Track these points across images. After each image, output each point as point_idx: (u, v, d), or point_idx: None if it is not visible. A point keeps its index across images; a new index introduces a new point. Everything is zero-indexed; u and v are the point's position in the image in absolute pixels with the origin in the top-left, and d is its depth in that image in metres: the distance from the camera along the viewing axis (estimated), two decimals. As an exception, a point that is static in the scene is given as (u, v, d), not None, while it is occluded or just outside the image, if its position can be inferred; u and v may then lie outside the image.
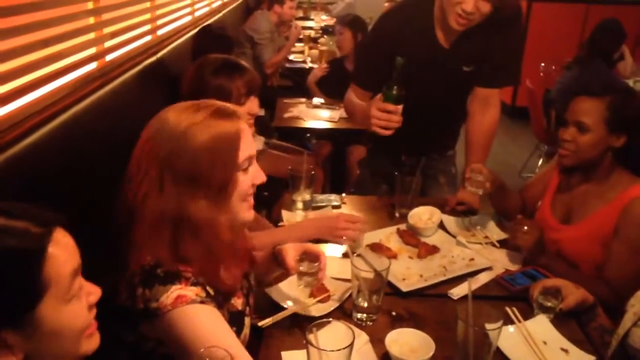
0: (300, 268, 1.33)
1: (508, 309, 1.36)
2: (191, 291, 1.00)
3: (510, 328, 1.28)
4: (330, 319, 1.10)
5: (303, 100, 3.45)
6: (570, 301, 1.33)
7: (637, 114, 1.55)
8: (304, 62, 4.64)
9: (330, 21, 6.66)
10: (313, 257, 1.34)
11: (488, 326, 1.13)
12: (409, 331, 1.21)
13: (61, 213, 0.80)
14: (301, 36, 5.53)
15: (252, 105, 1.75)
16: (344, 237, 1.57)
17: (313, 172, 1.84)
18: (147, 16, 2.66)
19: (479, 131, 2.01)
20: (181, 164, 1.03)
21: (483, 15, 1.71)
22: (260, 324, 1.25)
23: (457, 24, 1.74)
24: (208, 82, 1.69)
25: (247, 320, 1.21)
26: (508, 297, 1.44)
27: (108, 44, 2.11)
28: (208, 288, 1.05)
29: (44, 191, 1.27)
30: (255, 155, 1.14)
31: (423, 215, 1.73)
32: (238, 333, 1.15)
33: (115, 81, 1.91)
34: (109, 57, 2.10)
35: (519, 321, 1.32)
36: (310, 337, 1.03)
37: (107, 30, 2.09)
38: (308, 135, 3.47)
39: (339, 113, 3.18)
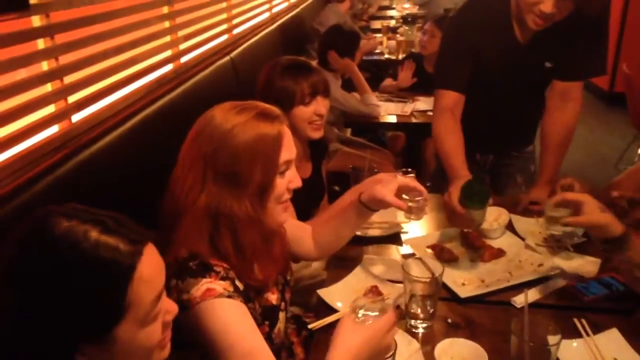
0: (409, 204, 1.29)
1: (576, 321, 1.27)
2: (219, 285, 1.03)
3: (575, 343, 1.19)
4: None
5: (376, 94, 3.41)
6: (582, 219, 1.21)
7: None
8: (381, 53, 4.56)
9: (413, 9, 6.51)
10: (411, 190, 1.33)
11: (546, 341, 1.06)
12: (462, 341, 1.17)
13: (151, 230, 0.79)
14: (379, 26, 5.46)
15: (319, 106, 1.76)
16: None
17: (376, 170, 1.81)
18: (224, 16, 2.74)
19: (557, 129, 1.88)
20: (223, 161, 1.07)
21: (564, 14, 1.59)
22: (310, 326, 1.25)
23: (535, 25, 1.64)
24: (275, 83, 1.72)
25: (281, 315, 1.23)
26: (579, 307, 1.34)
27: (183, 46, 2.20)
28: (237, 282, 1.08)
29: (120, 189, 1.36)
30: (293, 160, 1.15)
31: (490, 216, 1.65)
32: (271, 327, 1.19)
33: (188, 82, 1.99)
34: (183, 59, 2.20)
35: (588, 335, 1.23)
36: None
37: (182, 33, 2.19)
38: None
39: (411, 106, 3.10)
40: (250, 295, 1.13)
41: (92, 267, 0.70)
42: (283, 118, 1.15)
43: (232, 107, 1.13)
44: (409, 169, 1.86)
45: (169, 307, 0.82)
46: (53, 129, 1.40)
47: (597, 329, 1.24)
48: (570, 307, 1.34)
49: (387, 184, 1.30)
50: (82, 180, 1.29)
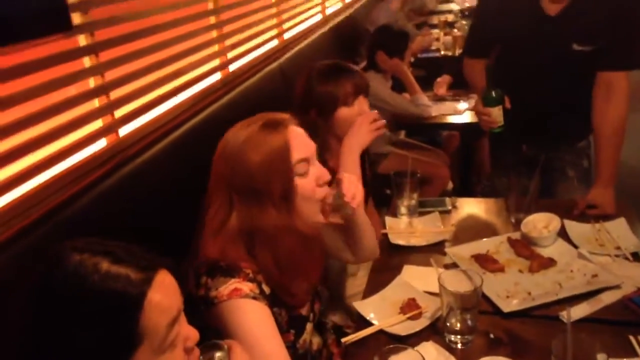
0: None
1: (632, 338, 1.18)
2: (246, 286, 1.05)
3: (628, 363, 1.10)
4: (406, 346, 1.04)
5: (429, 93, 3.32)
6: None
7: None
8: (438, 50, 4.43)
9: (473, 1, 6.29)
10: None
11: (592, 362, 0.99)
12: (501, 359, 1.11)
13: (166, 256, 0.79)
14: (436, 22, 5.30)
15: (362, 106, 1.73)
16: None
17: (419, 174, 1.77)
18: (273, 21, 2.75)
19: (604, 122, 1.77)
20: (241, 182, 1.10)
21: None
22: (343, 340, 1.24)
23: None
24: (315, 90, 1.71)
25: (309, 326, 1.23)
26: (636, 323, 1.24)
27: (231, 54, 2.23)
28: (264, 286, 1.09)
29: (167, 201, 1.40)
30: (311, 157, 1.15)
31: (539, 223, 1.56)
32: (297, 336, 1.19)
33: (235, 90, 2.02)
34: (232, 67, 2.23)
35: (644, 354, 1.14)
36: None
37: (230, 41, 2.22)
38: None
39: (465, 105, 3.00)
40: (277, 301, 1.14)
41: (102, 298, 0.70)
42: (289, 120, 1.16)
43: (241, 125, 1.16)
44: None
45: (189, 334, 0.81)
46: (101, 143, 1.46)
47: (656, 347, 1.15)
48: (626, 323, 1.24)
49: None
50: (129, 191, 1.34)
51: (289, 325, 1.17)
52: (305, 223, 1.15)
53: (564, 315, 1.27)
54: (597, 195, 1.72)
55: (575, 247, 1.52)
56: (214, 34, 2.10)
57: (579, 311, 1.28)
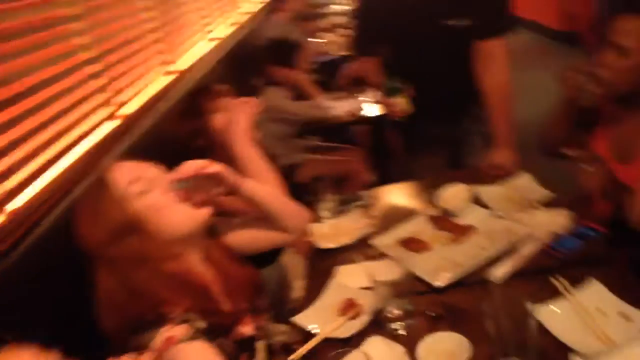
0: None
1: (554, 280, 1.23)
2: (179, 330, 1.00)
3: (557, 307, 1.15)
4: (349, 349, 1.04)
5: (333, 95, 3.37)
6: None
7: None
8: (333, 52, 4.51)
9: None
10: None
11: (523, 313, 1.02)
12: (442, 335, 1.13)
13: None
14: (328, 25, 5.40)
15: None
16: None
17: (332, 176, 1.79)
18: (161, 58, 2.67)
19: (491, 89, 1.87)
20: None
21: None
22: (289, 359, 1.22)
23: None
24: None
25: (260, 345, 1.20)
26: (557, 267, 1.30)
27: (119, 99, 2.14)
28: (198, 323, 1.04)
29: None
30: (141, 177, 1.10)
31: (452, 195, 1.62)
32: (251, 358, 1.16)
33: (134, 135, 1.94)
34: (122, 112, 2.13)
35: (567, 291, 1.19)
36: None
37: (117, 85, 2.11)
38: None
39: (368, 99, 3.07)
40: (216, 332, 1.09)
41: None
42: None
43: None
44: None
45: None
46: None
47: (578, 283, 1.21)
48: (549, 269, 1.30)
49: None
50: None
51: (239, 350, 1.14)
52: (179, 233, 1.12)
53: (491, 276, 1.32)
54: (498, 157, 1.80)
55: (490, 209, 1.58)
56: (98, 82, 2.01)
57: (503, 269, 1.33)
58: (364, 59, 2.15)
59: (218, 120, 1.69)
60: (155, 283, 1.07)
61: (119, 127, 2.02)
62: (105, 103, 1.99)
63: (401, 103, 1.87)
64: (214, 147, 1.65)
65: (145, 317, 1.03)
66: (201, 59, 3.13)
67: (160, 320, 1.02)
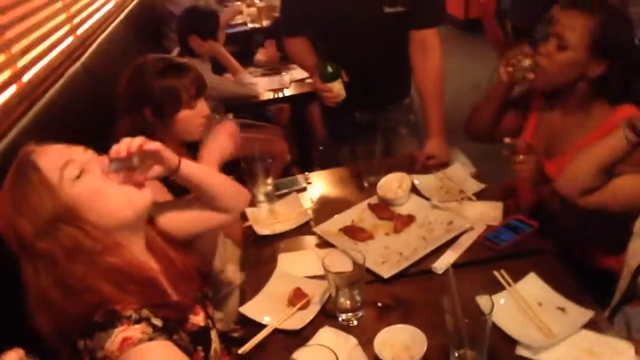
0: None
1: (496, 273, 1.29)
2: (136, 330, 0.91)
3: (501, 299, 1.21)
4: (309, 345, 1.01)
5: (251, 69, 3.26)
6: None
7: (624, 40, 1.44)
8: (244, 23, 4.36)
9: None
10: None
11: (478, 309, 1.06)
12: (398, 328, 1.14)
13: None
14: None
15: (203, 107, 1.62)
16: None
17: (270, 160, 1.72)
18: (63, 17, 2.43)
19: (425, 78, 1.91)
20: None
21: None
22: (240, 351, 1.17)
23: None
24: (153, 85, 1.53)
25: (213, 334, 1.14)
26: (496, 258, 1.37)
27: (21, 62, 1.91)
28: (154, 320, 0.95)
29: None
30: (71, 161, 1.00)
31: (392, 184, 1.63)
32: (206, 351, 1.10)
33: (37, 105, 1.73)
34: (26, 77, 1.91)
35: (509, 285, 1.26)
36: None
37: (17, 47, 1.89)
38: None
39: (288, 76, 3.02)
40: (172, 327, 1.01)
41: None
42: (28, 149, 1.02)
43: None
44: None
45: None
46: None
47: (517, 275, 1.27)
48: (488, 260, 1.36)
49: None
50: None
51: (194, 343, 1.07)
52: (122, 219, 1.03)
53: (435, 267, 1.36)
54: (432, 147, 1.85)
55: (427, 199, 1.62)
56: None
57: (446, 260, 1.37)
58: (292, 40, 2.06)
59: (186, 115, 1.58)
60: (95, 278, 0.96)
61: (22, 90, 1.81)
62: (6, 65, 1.77)
63: (337, 88, 1.81)
64: (154, 127, 1.51)
65: (92, 317, 0.92)
66: (106, 20, 2.91)
67: (112, 320, 0.91)
